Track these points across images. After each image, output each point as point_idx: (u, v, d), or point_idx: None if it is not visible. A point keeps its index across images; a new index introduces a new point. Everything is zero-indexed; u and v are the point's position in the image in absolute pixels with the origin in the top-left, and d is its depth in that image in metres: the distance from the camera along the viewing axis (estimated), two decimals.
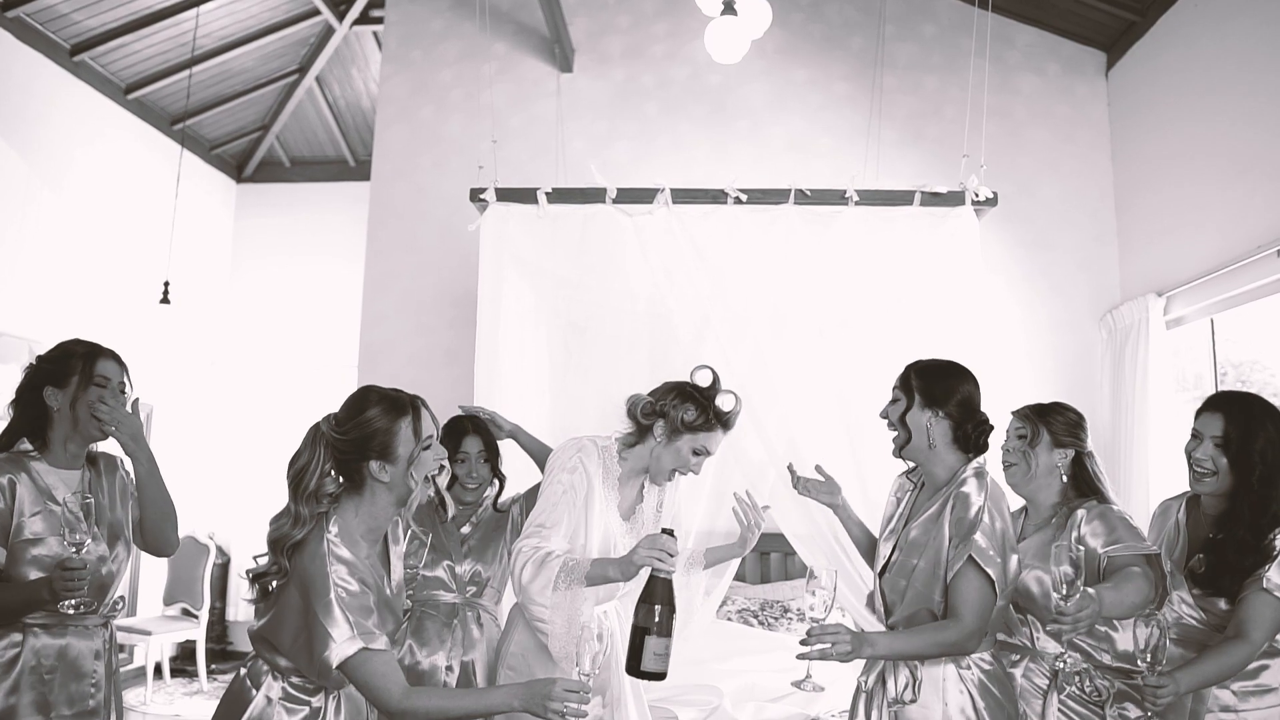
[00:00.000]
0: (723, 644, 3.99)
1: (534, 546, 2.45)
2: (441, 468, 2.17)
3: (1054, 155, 5.49)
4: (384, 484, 2.08)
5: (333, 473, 2.08)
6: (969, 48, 5.28)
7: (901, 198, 3.36)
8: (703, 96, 5.74)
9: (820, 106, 5.66)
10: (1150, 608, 2.42)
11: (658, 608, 2.19)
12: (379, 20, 6.60)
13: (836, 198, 3.35)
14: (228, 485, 7.77)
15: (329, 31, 7.07)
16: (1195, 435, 2.48)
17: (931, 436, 2.42)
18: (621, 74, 5.84)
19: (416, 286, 5.71)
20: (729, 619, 4.74)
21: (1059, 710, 2.47)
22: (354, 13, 6.86)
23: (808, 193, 3.37)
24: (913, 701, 2.33)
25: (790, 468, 2.81)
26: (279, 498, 2.10)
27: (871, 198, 3.37)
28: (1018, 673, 2.55)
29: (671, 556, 2.24)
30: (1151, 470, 4.56)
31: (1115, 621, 2.54)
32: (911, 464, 2.53)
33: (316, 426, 2.10)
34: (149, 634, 6.37)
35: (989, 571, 2.25)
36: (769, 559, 5.10)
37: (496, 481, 3.09)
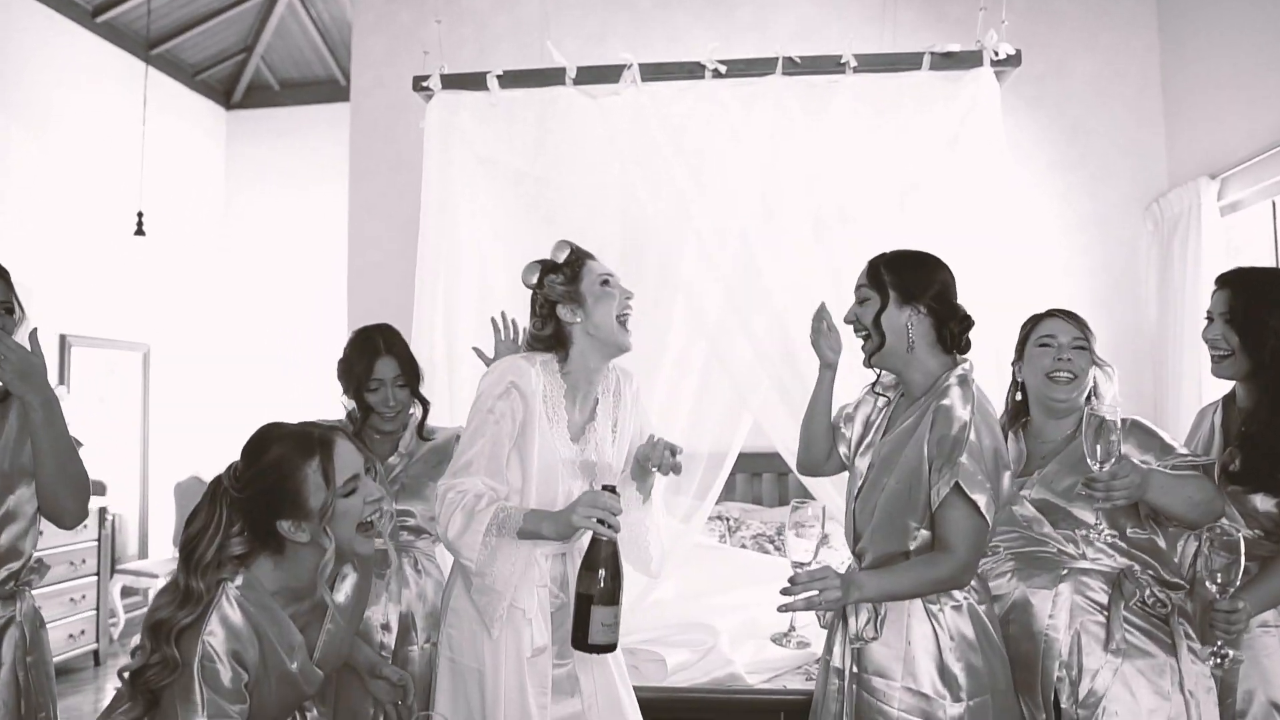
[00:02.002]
0: (727, 573, 3.68)
1: (459, 491, 2.13)
2: (380, 513, 1.85)
3: (1092, 27, 4.93)
4: (304, 545, 1.74)
5: (244, 534, 1.73)
6: None
7: (908, 61, 2.88)
8: None
9: None
10: (1210, 521, 2.11)
11: (601, 573, 2.02)
12: None
13: (832, 64, 2.90)
14: (229, 423, 7.57)
15: None
16: (1208, 316, 2.31)
17: (911, 337, 2.12)
18: None
19: (404, 205, 5.30)
20: (743, 545, 4.44)
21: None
22: None
23: (798, 60, 2.92)
24: (874, 639, 2.07)
25: (822, 310, 2.43)
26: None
27: (873, 63, 2.90)
28: (1067, 588, 2.21)
29: (615, 515, 2.01)
30: (1205, 374, 4.11)
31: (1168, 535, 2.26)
32: (878, 372, 2.26)
33: (218, 480, 1.75)
34: (157, 577, 6.25)
35: (976, 499, 1.96)
36: (787, 479, 4.74)
37: (419, 406, 2.74)
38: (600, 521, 2.00)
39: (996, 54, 2.86)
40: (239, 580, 1.70)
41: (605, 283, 2.25)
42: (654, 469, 2.26)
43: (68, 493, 2.12)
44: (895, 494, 2.07)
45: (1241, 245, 4.34)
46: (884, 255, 2.23)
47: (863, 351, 2.22)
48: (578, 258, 2.28)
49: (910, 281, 2.14)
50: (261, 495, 1.71)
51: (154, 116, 6.71)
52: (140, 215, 5.56)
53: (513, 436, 2.20)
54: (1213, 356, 2.31)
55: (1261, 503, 2.15)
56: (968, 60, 2.88)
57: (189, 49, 7.22)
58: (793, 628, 2.12)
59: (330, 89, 7.79)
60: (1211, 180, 4.23)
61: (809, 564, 2.03)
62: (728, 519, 4.54)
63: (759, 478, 4.87)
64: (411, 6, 5.50)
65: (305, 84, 7.88)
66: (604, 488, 2.06)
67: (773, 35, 5.07)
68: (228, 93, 7.87)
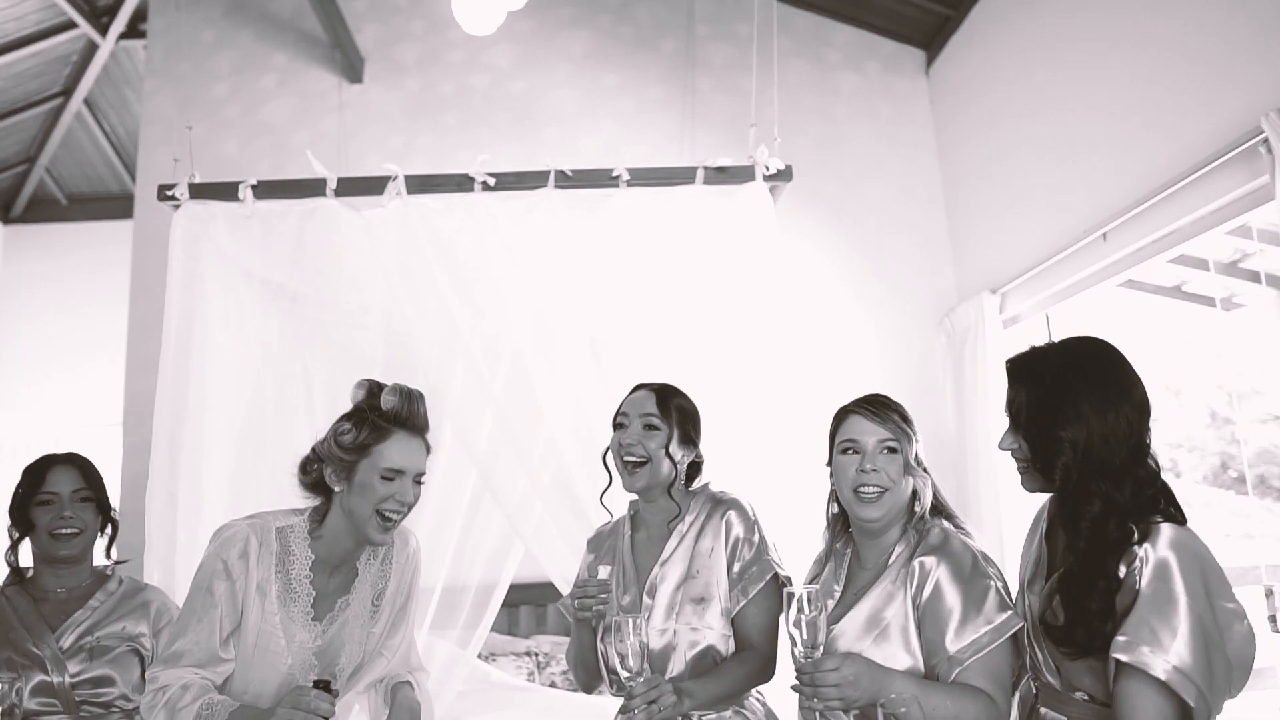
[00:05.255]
0: (528, 717, 3.37)
1: (161, 687, 1.84)
2: None
3: (879, 155, 5.21)
4: None
5: None
6: (785, 47, 4.96)
7: (682, 175, 2.86)
8: (506, 105, 5.25)
9: (634, 111, 5.24)
10: None
11: None
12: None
13: (604, 178, 2.84)
14: None
15: (93, 48, 6.27)
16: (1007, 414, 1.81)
17: None
18: (416, 83, 5.30)
19: None
20: (553, 684, 4.12)
21: None
22: (119, 25, 6.08)
23: (569, 173, 2.86)
24: None
25: None
26: None
27: (647, 176, 2.85)
28: None
29: (325, 719, 1.74)
30: (1001, 487, 4.21)
31: None
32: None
33: None
34: None
35: None
36: (546, 610, 4.46)
37: (109, 528, 2.32)
38: None
39: (768, 169, 2.88)
40: None
41: (387, 478, 1.94)
42: None
43: None
44: None
45: None
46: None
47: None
48: (386, 425, 1.96)
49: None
50: None
51: None
52: None
53: (234, 616, 1.92)
54: (1017, 467, 1.81)
55: (1085, 676, 1.64)
56: (741, 175, 2.89)
57: None
58: None
59: (124, 204, 7.30)
60: (993, 294, 4.44)
61: (637, 670, 1.85)
62: (536, 654, 4.22)
63: None
64: (204, 120, 5.24)
65: (96, 199, 7.38)
66: (315, 684, 1.77)
67: (577, 152, 5.10)
68: (6, 206, 7.27)
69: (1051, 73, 4.08)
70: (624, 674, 1.85)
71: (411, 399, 2.00)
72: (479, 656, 3.65)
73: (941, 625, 1.82)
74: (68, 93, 6.55)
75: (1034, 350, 1.79)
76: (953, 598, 1.83)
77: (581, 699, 3.94)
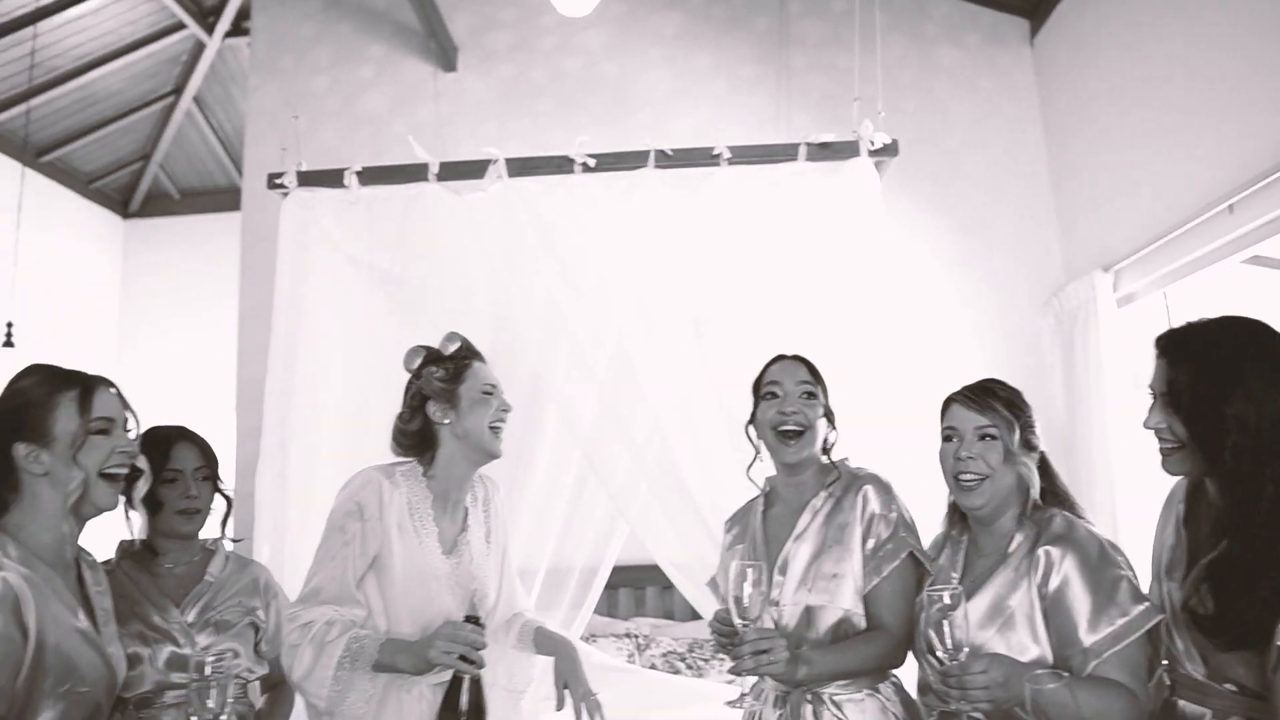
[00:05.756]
0: (628, 700, 3.38)
1: (305, 623, 1.91)
2: (134, 469, 1.70)
3: (981, 131, 5.04)
4: (40, 477, 1.59)
5: None
6: (882, 23, 4.81)
7: (784, 152, 2.78)
8: (599, 89, 5.25)
9: (727, 92, 5.18)
10: None
11: (462, 716, 1.81)
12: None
13: (705, 157, 2.80)
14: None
15: (200, 47, 6.51)
16: (1151, 391, 1.71)
17: None
18: (509, 69, 5.34)
19: None
20: (653, 665, 4.14)
21: None
22: (224, 24, 6.29)
23: (670, 152, 2.82)
24: None
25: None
26: None
27: (748, 154, 2.79)
28: None
29: (479, 650, 1.82)
30: (1116, 472, 4.04)
31: None
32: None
33: None
34: None
35: None
36: (672, 592, 4.44)
37: (225, 504, 2.34)
38: (462, 658, 1.81)
39: (873, 144, 2.79)
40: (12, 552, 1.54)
41: (487, 393, 2.11)
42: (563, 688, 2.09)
43: None
44: None
45: (1140, 337, 4.35)
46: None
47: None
48: (466, 356, 2.14)
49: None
50: (3, 417, 1.61)
51: (40, 224, 6.41)
52: (10, 326, 5.21)
53: (367, 557, 2.00)
54: (1160, 448, 1.70)
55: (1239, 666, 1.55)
56: (844, 151, 2.81)
57: (81, 157, 6.99)
58: (744, 693, 1.93)
59: (233, 197, 7.59)
60: (1105, 272, 4.24)
61: (756, 620, 1.82)
62: (636, 636, 4.24)
63: (670, 591, 4.59)
64: (306, 111, 5.38)
65: (206, 192, 7.68)
66: (466, 618, 1.86)
67: (669, 135, 5.03)
68: (125, 201, 7.62)
69: (1168, 35, 3.86)
70: (739, 621, 1.82)
71: (463, 337, 2.17)
72: (580, 638, 3.68)
73: (1073, 617, 1.75)
74: (178, 91, 6.83)
75: (1192, 326, 1.68)
76: (1082, 589, 1.76)
77: (682, 681, 3.95)
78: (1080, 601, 1.75)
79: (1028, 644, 1.79)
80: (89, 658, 1.59)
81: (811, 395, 2.12)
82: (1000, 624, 1.81)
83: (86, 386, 1.67)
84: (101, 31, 5.99)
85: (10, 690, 1.43)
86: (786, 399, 2.11)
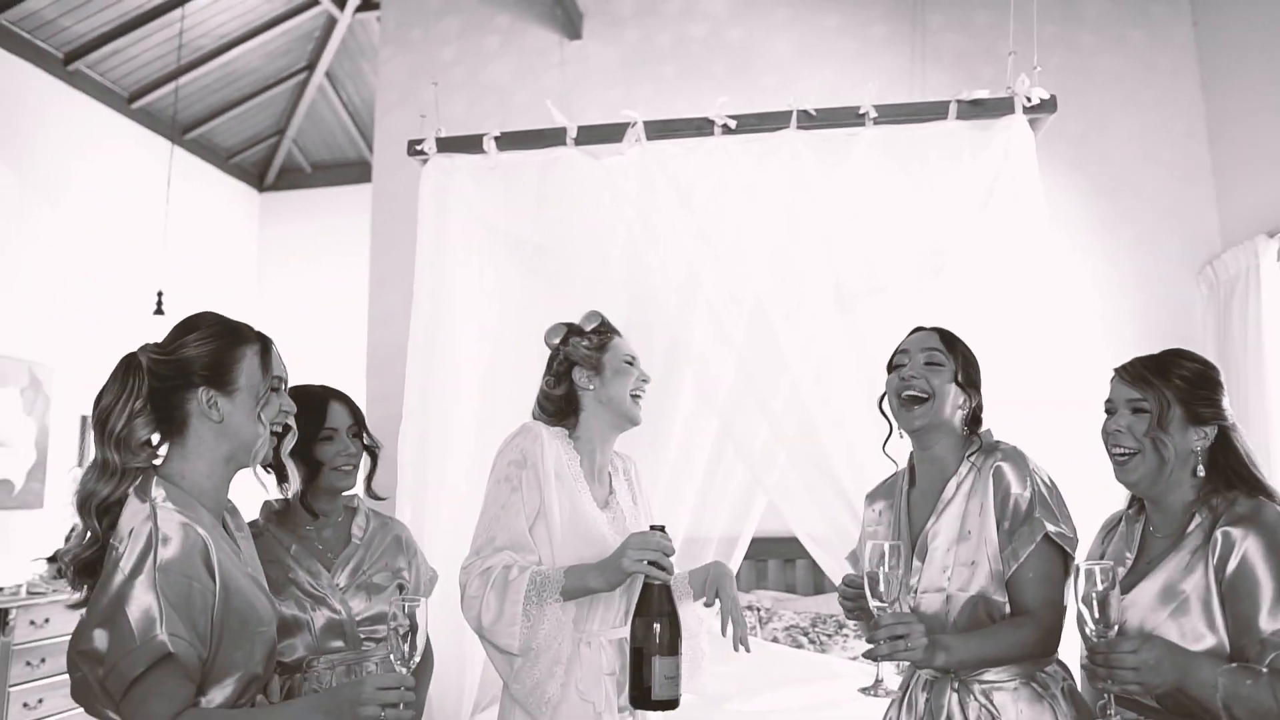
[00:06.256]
0: (752, 672, 3.36)
1: (483, 571, 1.99)
2: (286, 428, 1.72)
3: (1130, 87, 4.74)
4: (214, 424, 1.61)
5: (149, 414, 1.59)
6: None
7: (933, 110, 2.66)
8: (724, 54, 5.17)
9: (856, 54, 5.02)
10: None
11: (658, 624, 1.84)
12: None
13: (850, 116, 2.70)
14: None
15: (332, 22, 6.70)
16: None
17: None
18: (634, 35, 5.30)
19: None
20: (774, 639, 4.10)
21: None
22: None
23: (813, 112, 2.74)
24: None
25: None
26: None
27: (895, 113, 2.68)
28: None
29: (669, 555, 1.89)
30: (1275, 454, 3.78)
31: None
32: None
33: (131, 355, 1.62)
34: None
35: None
36: (795, 565, 4.44)
37: (368, 459, 2.33)
38: (653, 565, 1.86)
39: (1029, 100, 2.63)
40: (160, 493, 1.55)
41: (628, 363, 2.20)
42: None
43: None
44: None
45: None
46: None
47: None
48: (606, 331, 2.24)
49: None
50: (183, 364, 1.60)
51: (186, 199, 6.75)
52: (160, 295, 5.52)
53: (534, 504, 2.06)
54: None
55: None
56: (998, 108, 2.64)
57: (222, 133, 7.32)
58: (879, 679, 1.87)
59: (360, 170, 7.83)
60: (1270, 239, 3.96)
61: (891, 604, 1.76)
62: (758, 609, 4.21)
63: (792, 564, 4.55)
64: (434, 81, 5.47)
65: (335, 165, 7.94)
66: (652, 528, 1.92)
67: (797, 98, 4.92)
68: (260, 175, 7.95)
69: None
70: (875, 604, 1.76)
71: (602, 314, 2.27)
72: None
73: (1252, 603, 1.63)
74: (311, 67, 7.05)
75: None
76: (1264, 573, 1.64)
77: (804, 656, 3.91)
78: (1260, 586, 1.64)
79: (1203, 631, 1.68)
80: (259, 598, 1.64)
81: (937, 364, 2.04)
82: (1173, 609, 1.71)
83: (265, 343, 1.70)
84: (243, 10, 6.23)
85: (209, 635, 1.49)
86: (911, 366, 2.05)
